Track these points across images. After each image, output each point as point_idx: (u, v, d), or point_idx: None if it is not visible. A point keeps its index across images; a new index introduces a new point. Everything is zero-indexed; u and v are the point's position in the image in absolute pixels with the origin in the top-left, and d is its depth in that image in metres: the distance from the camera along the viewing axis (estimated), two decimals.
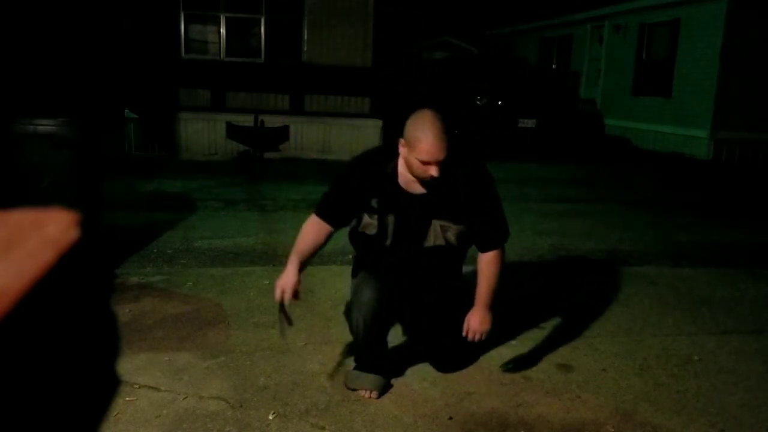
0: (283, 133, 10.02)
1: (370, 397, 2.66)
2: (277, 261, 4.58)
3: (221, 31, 10.55)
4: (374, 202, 2.63)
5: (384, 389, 2.72)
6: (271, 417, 2.48)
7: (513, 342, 3.28)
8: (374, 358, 2.75)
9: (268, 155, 9.93)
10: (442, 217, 2.62)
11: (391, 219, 2.63)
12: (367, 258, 2.79)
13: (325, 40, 10.57)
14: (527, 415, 2.58)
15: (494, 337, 3.28)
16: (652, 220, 6.70)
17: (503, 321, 3.55)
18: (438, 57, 18.24)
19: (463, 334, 2.70)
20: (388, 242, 2.66)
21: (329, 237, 2.70)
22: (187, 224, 5.53)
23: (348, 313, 2.84)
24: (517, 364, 3.01)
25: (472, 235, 2.69)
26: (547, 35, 18.39)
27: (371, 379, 2.71)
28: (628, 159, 11.91)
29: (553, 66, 17.88)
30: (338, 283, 4.08)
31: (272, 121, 10.01)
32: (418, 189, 2.60)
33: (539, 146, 11.45)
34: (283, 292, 2.49)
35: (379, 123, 10.32)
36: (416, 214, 2.62)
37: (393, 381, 2.81)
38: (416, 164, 2.48)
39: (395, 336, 3.20)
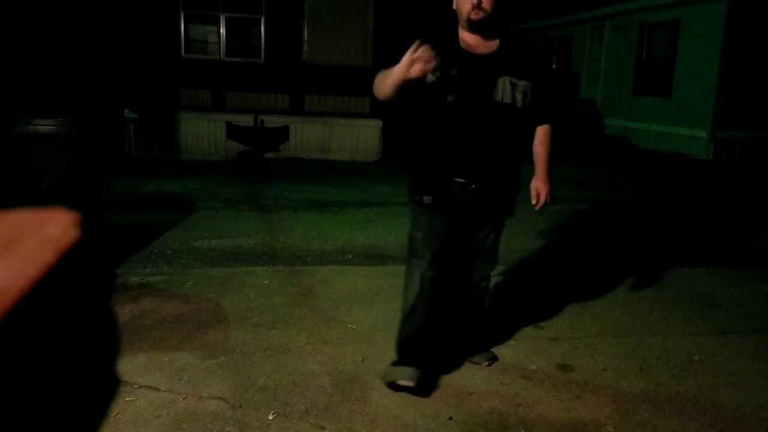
0: (283, 133, 10.03)
1: (405, 384, 2.64)
2: (277, 261, 4.59)
3: (221, 31, 10.55)
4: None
5: (421, 381, 2.67)
6: (271, 417, 2.48)
7: (513, 342, 3.28)
8: (416, 347, 2.73)
9: (268, 155, 9.94)
10: (509, 73, 2.62)
11: (454, 75, 2.58)
12: (430, 145, 2.68)
13: (325, 40, 10.56)
14: (527, 415, 2.58)
15: (494, 337, 3.29)
16: (651, 220, 6.70)
17: (503, 321, 3.56)
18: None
19: (533, 201, 2.93)
20: (451, 98, 2.59)
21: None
22: (187, 224, 5.53)
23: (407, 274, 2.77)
24: (517, 365, 3.01)
25: (535, 100, 2.70)
26: (548, 35, 18.38)
27: (406, 370, 2.68)
28: (627, 159, 11.90)
29: (553, 66, 17.87)
30: (338, 283, 4.08)
31: (272, 121, 10.01)
32: (481, 50, 2.63)
33: None
34: (417, 63, 2.29)
35: (379, 123, 10.32)
36: (482, 72, 2.61)
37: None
38: (462, 3, 2.55)
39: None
